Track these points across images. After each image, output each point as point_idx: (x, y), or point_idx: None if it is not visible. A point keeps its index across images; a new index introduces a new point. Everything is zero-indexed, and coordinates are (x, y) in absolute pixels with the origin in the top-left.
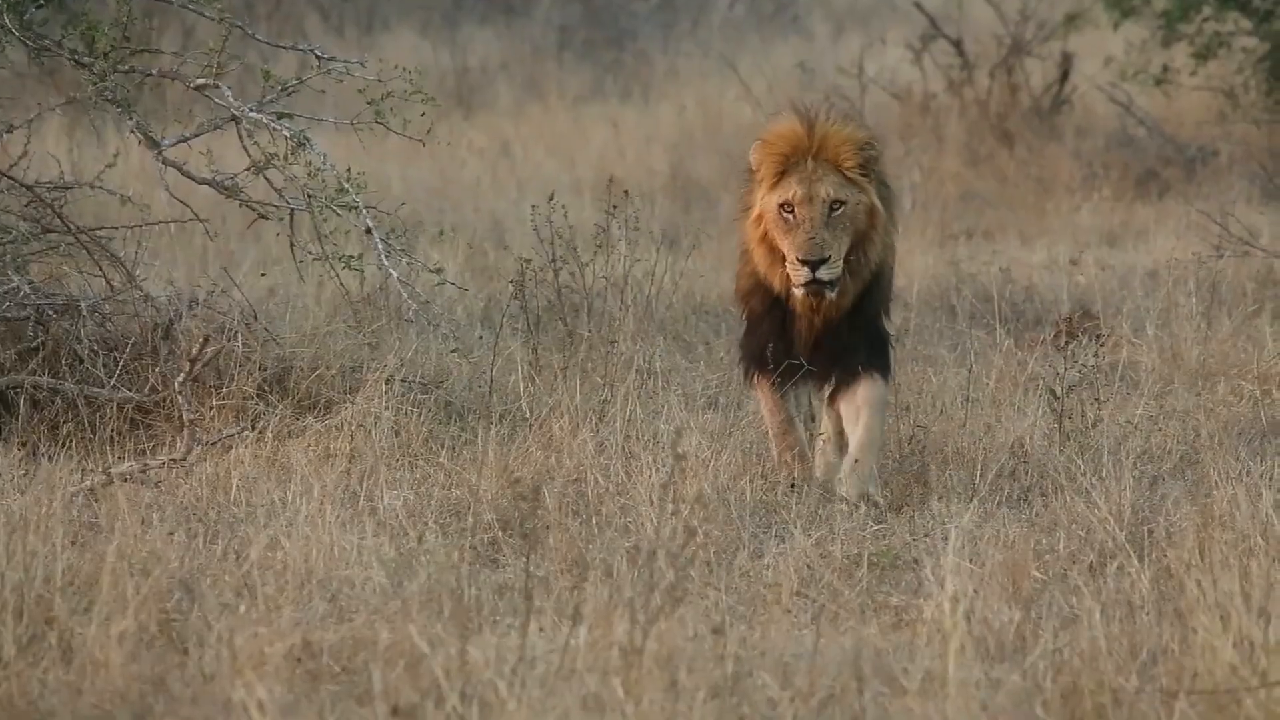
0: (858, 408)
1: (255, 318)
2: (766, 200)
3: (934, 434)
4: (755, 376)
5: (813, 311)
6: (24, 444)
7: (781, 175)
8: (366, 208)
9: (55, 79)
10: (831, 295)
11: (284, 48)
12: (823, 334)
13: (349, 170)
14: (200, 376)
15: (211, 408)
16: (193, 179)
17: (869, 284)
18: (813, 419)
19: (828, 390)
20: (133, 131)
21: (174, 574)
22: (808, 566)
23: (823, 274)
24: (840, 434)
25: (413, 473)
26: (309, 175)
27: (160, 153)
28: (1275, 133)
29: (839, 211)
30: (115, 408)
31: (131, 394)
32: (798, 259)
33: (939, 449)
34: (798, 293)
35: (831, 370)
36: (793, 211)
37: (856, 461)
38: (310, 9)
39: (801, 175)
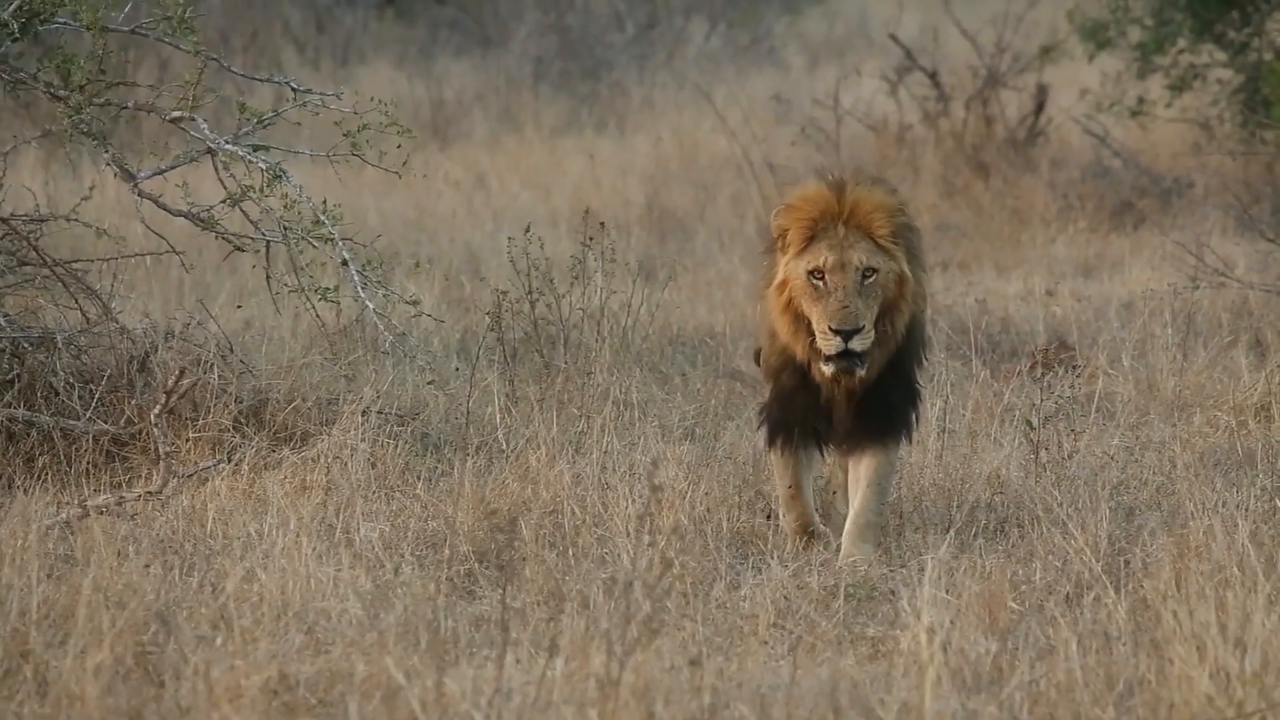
0: (860, 477)
1: (231, 350)
2: (793, 266)
3: (910, 465)
4: (777, 441)
5: (841, 388)
6: None
7: (810, 241)
8: (342, 240)
9: (31, 111)
10: (861, 372)
11: (260, 80)
12: (849, 404)
13: (325, 202)
14: (176, 409)
15: (187, 440)
16: (169, 211)
17: (895, 352)
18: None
19: (848, 451)
20: (108, 164)
21: (150, 606)
22: (784, 598)
23: (855, 345)
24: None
25: (389, 504)
26: (285, 207)
27: (136, 185)
28: (1250, 164)
29: (871, 280)
30: (91, 440)
31: (107, 426)
32: (830, 328)
33: (915, 480)
34: (826, 370)
35: (857, 434)
36: (823, 279)
37: (852, 532)
38: (286, 42)
39: (832, 241)
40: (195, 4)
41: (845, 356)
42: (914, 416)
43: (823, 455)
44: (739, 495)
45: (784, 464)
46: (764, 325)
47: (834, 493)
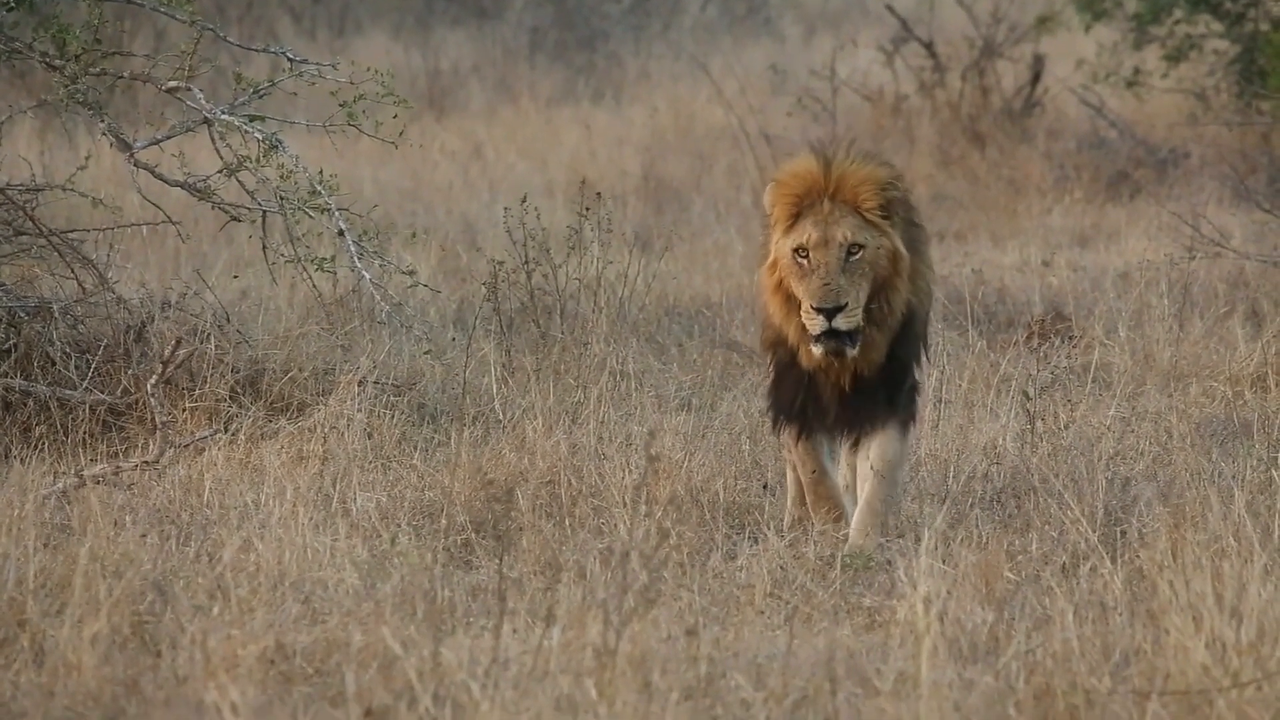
0: (870, 467)
1: (228, 320)
2: (781, 245)
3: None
4: (784, 427)
5: (836, 370)
6: None
7: (796, 218)
8: (339, 210)
9: (26, 81)
10: (853, 353)
11: (256, 50)
12: (853, 389)
13: (321, 172)
14: (173, 379)
15: (184, 410)
16: (165, 181)
17: (898, 333)
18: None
19: (849, 439)
20: (104, 134)
21: (147, 576)
22: (781, 568)
23: (839, 323)
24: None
25: (386, 475)
26: (281, 178)
27: (132, 155)
28: (1246, 135)
29: (857, 256)
30: (88, 410)
31: (104, 396)
32: (812, 306)
33: (911, 450)
34: (815, 351)
35: (857, 422)
36: (807, 256)
37: (858, 525)
38: (282, 12)
39: (817, 217)
40: None
41: (833, 336)
42: (915, 409)
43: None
44: (736, 465)
45: (802, 451)
46: (760, 307)
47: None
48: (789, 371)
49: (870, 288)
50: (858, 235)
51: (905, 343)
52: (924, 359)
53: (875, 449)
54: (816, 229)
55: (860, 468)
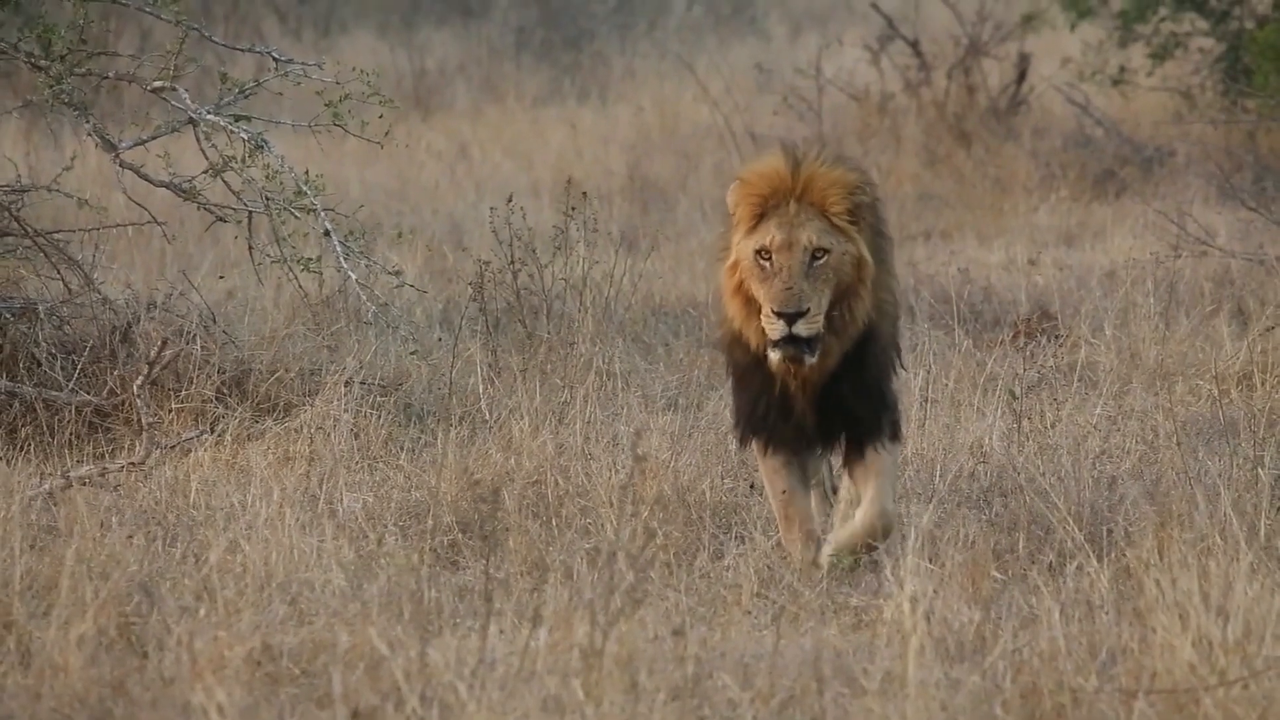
0: (865, 483)
1: (214, 320)
2: (743, 246)
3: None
4: (750, 440)
5: (795, 376)
6: None
7: (760, 219)
8: (325, 210)
9: (12, 82)
10: (811, 361)
11: (241, 50)
12: (814, 395)
13: (307, 172)
14: (159, 379)
15: (170, 411)
16: (150, 181)
17: (859, 343)
18: (834, 490)
19: (839, 457)
20: (90, 134)
21: (133, 577)
22: (768, 568)
23: (800, 329)
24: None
25: (372, 475)
26: (267, 178)
27: (118, 155)
28: (1231, 132)
29: (821, 261)
30: (74, 411)
31: (90, 397)
32: (772, 310)
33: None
34: (773, 356)
35: (836, 437)
36: (770, 259)
37: (853, 534)
38: (267, 11)
39: (782, 219)
40: None
41: (792, 342)
42: (894, 421)
43: (830, 470)
44: (722, 465)
45: (769, 467)
46: (718, 308)
47: (847, 506)
48: (749, 374)
49: (833, 294)
50: (823, 239)
51: (871, 353)
52: (898, 369)
53: (866, 463)
54: (781, 231)
55: (855, 483)
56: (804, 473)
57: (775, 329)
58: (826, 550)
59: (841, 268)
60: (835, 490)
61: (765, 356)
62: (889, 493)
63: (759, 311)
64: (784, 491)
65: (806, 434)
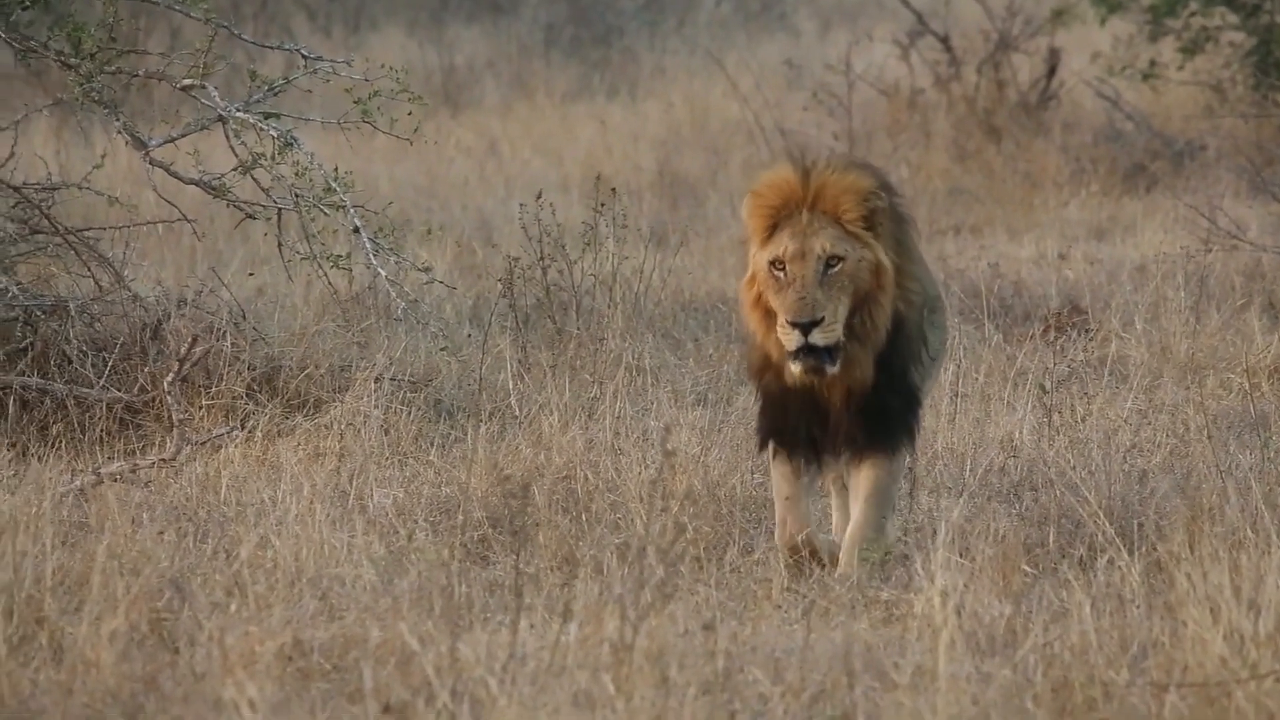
0: (859, 491)
1: (244, 317)
2: (758, 258)
3: (924, 429)
4: (772, 448)
5: (827, 389)
6: (13, 445)
7: (773, 230)
8: (354, 207)
9: (42, 80)
10: (832, 370)
11: (270, 48)
12: (847, 407)
13: (336, 169)
14: (189, 376)
15: (201, 407)
16: (180, 179)
17: (887, 348)
18: (845, 486)
19: (840, 458)
20: (120, 132)
21: (164, 573)
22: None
23: (816, 338)
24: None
25: (402, 471)
26: (296, 175)
27: (147, 153)
28: (1262, 126)
29: (836, 268)
30: (104, 408)
31: (121, 394)
32: (787, 320)
33: (928, 444)
34: (794, 369)
35: (849, 443)
36: (784, 269)
37: (848, 547)
38: (297, 9)
39: (795, 229)
40: None
41: (810, 353)
42: (914, 424)
43: (819, 467)
44: (752, 460)
45: (780, 472)
46: (742, 324)
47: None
48: (776, 392)
49: (851, 302)
50: (837, 247)
51: (900, 351)
52: (927, 362)
53: (865, 472)
54: (794, 241)
55: (851, 488)
56: (813, 480)
57: (791, 339)
58: (836, 576)
59: (859, 274)
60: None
61: (783, 373)
62: (872, 521)
63: (778, 324)
64: (788, 498)
65: (835, 445)
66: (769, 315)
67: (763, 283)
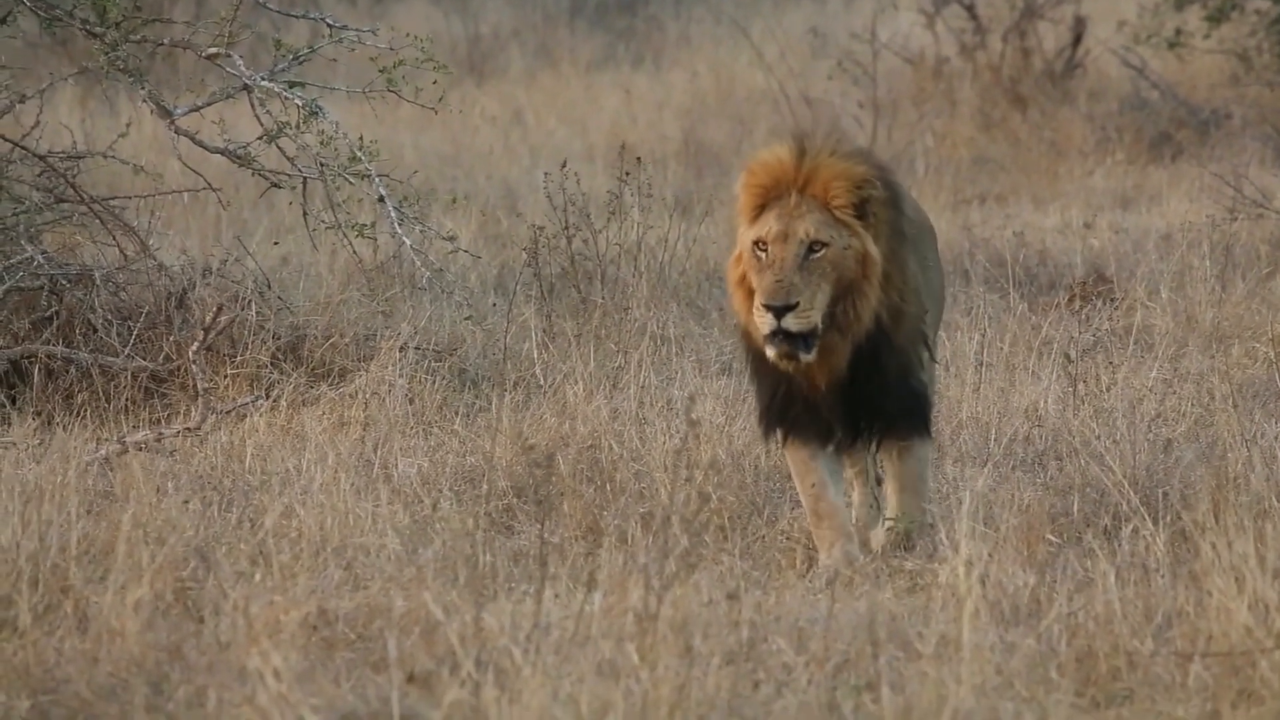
0: (891, 488)
1: (269, 286)
2: (744, 237)
3: (948, 398)
4: (773, 433)
5: (802, 373)
6: (39, 413)
7: (761, 210)
8: (379, 176)
9: (67, 49)
10: (807, 358)
11: (296, 16)
12: (837, 391)
13: (361, 138)
14: (214, 345)
15: (226, 376)
16: (205, 148)
17: (873, 344)
18: (879, 481)
19: (872, 451)
20: (145, 101)
21: (189, 542)
22: None
23: (789, 323)
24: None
25: (427, 440)
26: (321, 144)
27: (173, 122)
28: None
29: (819, 254)
30: (130, 377)
31: (146, 363)
32: (761, 303)
33: (953, 413)
34: (770, 351)
35: (865, 431)
36: (766, 250)
37: (889, 527)
38: None
39: (781, 211)
40: None
41: (785, 338)
42: (924, 417)
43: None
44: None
45: (797, 459)
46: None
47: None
48: (768, 373)
49: (833, 290)
50: (821, 232)
51: (893, 346)
52: (930, 360)
53: (897, 460)
54: (779, 222)
55: (887, 479)
56: (836, 464)
57: (764, 322)
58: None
59: (843, 263)
60: (880, 481)
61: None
62: (912, 502)
63: (754, 305)
64: (814, 485)
65: (834, 429)
66: (751, 296)
67: (747, 262)
